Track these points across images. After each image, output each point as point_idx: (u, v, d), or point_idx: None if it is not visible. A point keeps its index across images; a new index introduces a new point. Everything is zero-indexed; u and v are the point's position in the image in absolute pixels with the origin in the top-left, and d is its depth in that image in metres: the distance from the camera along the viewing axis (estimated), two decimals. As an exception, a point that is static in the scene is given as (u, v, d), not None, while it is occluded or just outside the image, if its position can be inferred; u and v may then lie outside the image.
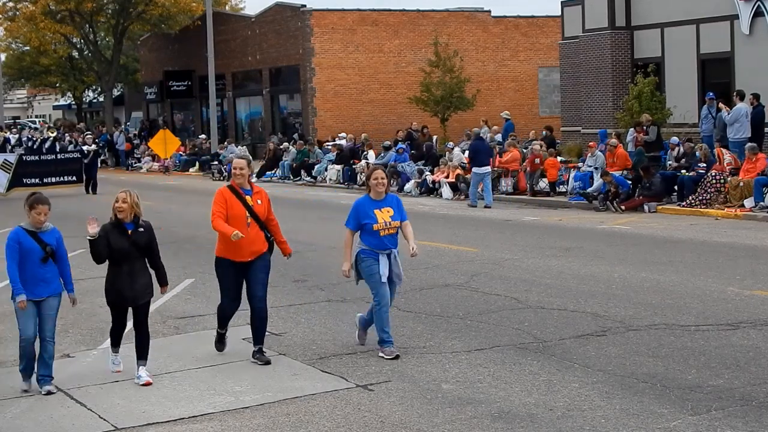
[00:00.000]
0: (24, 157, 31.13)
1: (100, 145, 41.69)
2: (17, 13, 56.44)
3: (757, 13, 26.42)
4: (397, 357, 9.53)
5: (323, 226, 20.78)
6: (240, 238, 9.38)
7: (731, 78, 27.34)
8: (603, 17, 30.83)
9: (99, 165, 34.61)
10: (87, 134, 39.81)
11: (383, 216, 9.77)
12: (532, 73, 45.71)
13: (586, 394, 8.29)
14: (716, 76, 28.12)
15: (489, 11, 46.58)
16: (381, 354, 9.66)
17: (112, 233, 9.10)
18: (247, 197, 9.72)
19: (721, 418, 7.56)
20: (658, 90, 27.69)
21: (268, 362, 9.61)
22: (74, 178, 31.61)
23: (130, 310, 9.43)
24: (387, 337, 9.69)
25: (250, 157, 10.18)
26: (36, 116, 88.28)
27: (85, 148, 33.07)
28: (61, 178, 31.33)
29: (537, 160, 26.15)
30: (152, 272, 9.50)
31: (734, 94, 24.59)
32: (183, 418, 8.14)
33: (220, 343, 10.18)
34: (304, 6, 43.89)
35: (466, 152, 30.39)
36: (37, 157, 31.40)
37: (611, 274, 13.89)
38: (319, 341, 10.49)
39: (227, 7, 63.88)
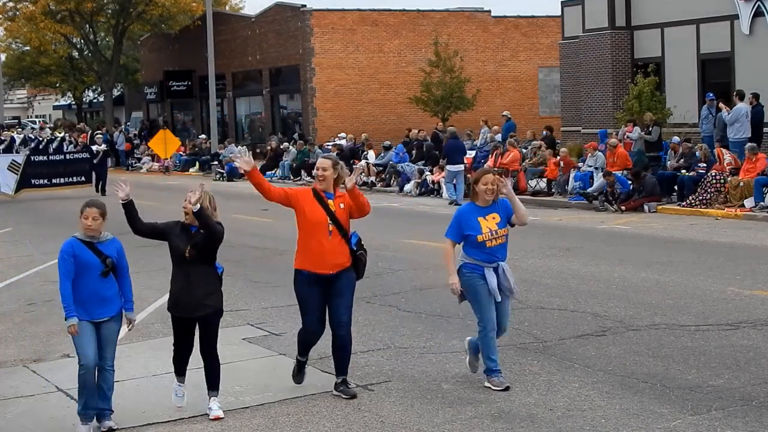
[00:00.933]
0: (32, 158, 30.41)
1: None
2: (17, 13, 56.46)
3: (757, 13, 26.41)
4: (507, 389, 8.44)
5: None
6: (247, 169, 8.39)
7: (731, 78, 27.34)
8: (603, 17, 30.83)
9: (109, 165, 34.07)
10: (97, 134, 38.95)
11: (488, 224, 8.60)
12: (532, 73, 45.70)
13: (586, 394, 8.29)
14: (716, 76, 28.11)
15: (489, 11, 46.58)
16: (488, 384, 8.55)
17: (173, 231, 8.28)
18: (329, 201, 8.49)
19: (722, 418, 7.56)
20: (658, 90, 27.67)
21: (353, 396, 8.47)
22: (83, 178, 30.97)
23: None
24: (494, 366, 8.58)
25: (337, 159, 8.81)
26: (36, 116, 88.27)
27: (94, 147, 32.42)
28: (70, 179, 30.70)
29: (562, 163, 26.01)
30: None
31: (734, 94, 24.59)
32: (183, 418, 8.14)
33: (299, 373, 8.87)
34: (304, 6, 43.89)
35: (467, 153, 30.48)
36: (45, 158, 30.74)
37: (611, 274, 13.89)
38: (319, 341, 10.48)
39: (227, 7, 63.87)
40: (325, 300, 8.51)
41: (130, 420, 8.11)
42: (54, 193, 29.97)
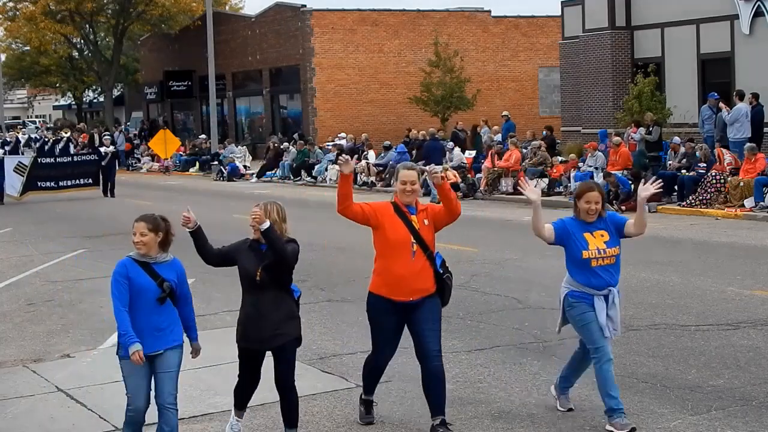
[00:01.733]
0: (39, 160, 29.70)
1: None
2: (17, 13, 56.52)
3: (757, 13, 26.42)
4: (633, 430, 7.29)
5: (323, 226, 20.77)
6: (350, 171, 7.39)
7: (731, 78, 27.34)
8: (603, 17, 30.84)
9: (117, 167, 33.13)
10: (105, 135, 38.17)
11: (596, 242, 7.51)
12: (532, 73, 45.71)
13: (586, 394, 8.29)
14: (716, 76, 28.12)
15: (489, 11, 46.60)
16: (609, 428, 7.37)
17: (241, 252, 7.32)
18: (413, 217, 7.47)
19: (721, 418, 7.56)
20: (658, 90, 27.69)
21: None
22: (90, 180, 30.05)
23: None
24: (616, 404, 7.35)
25: (420, 168, 7.86)
26: (36, 116, 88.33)
27: (102, 149, 31.53)
28: (77, 181, 29.85)
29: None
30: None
31: (734, 94, 24.59)
32: (183, 418, 8.12)
33: (367, 413, 7.84)
34: (304, 6, 43.90)
35: (467, 152, 30.51)
36: (52, 160, 30.04)
37: (611, 274, 13.87)
38: (319, 341, 10.49)
39: (227, 7, 63.90)
40: (401, 327, 7.54)
41: (130, 420, 8.09)
42: (60, 195, 29.36)
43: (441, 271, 7.48)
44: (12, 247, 18.92)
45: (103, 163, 30.43)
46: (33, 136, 43.38)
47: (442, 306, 7.52)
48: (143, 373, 6.70)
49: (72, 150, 32.38)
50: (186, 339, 7.05)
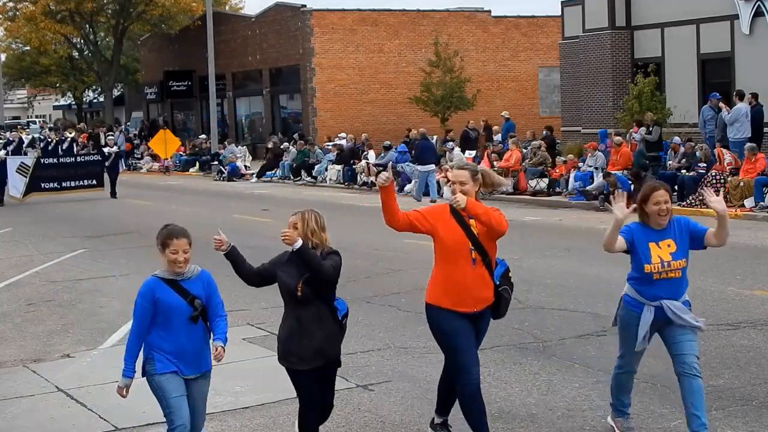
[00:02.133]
0: (42, 160, 29.27)
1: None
2: (17, 13, 56.54)
3: (757, 13, 26.42)
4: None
5: (323, 226, 20.77)
6: (385, 184, 6.76)
7: (731, 78, 27.35)
8: (603, 17, 30.84)
9: (121, 168, 32.51)
10: (109, 135, 37.53)
11: (661, 253, 6.87)
12: (532, 73, 45.71)
13: (586, 394, 8.29)
14: (716, 76, 28.13)
15: (489, 11, 46.61)
16: (611, 422, 7.40)
17: (281, 265, 6.72)
18: (471, 221, 6.86)
19: (722, 418, 7.56)
20: (658, 90, 27.70)
21: None
22: (94, 181, 29.60)
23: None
24: (620, 405, 7.32)
25: (476, 167, 7.23)
26: (36, 116, 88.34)
27: (106, 149, 31.16)
28: (81, 182, 29.43)
29: None
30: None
31: (734, 94, 24.60)
32: (183, 418, 8.12)
33: None
34: (304, 6, 43.91)
35: (467, 152, 30.52)
36: (55, 160, 29.59)
37: (611, 274, 13.88)
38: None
39: (227, 7, 63.94)
40: (474, 334, 6.91)
41: (130, 420, 8.10)
42: (64, 196, 28.98)
43: (497, 283, 6.90)
44: (12, 247, 18.93)
45: (106, 164, 30.12)
46: (37, 136, 43.06)
47: (496, 318, 7.07)
48: (182, 392, 6.30)
49: (75, 150, 32.09)
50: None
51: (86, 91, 68.60)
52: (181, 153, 43.63)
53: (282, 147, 37.58)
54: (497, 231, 6.75)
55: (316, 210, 6.83)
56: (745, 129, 23.50)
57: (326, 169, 33.76)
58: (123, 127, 54.18)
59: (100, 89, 63.76)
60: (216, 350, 6.40)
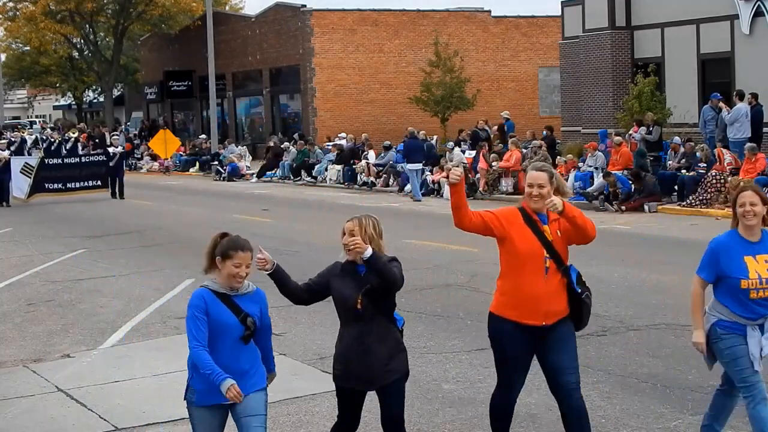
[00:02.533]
0: (46, 161, 28.71)
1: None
2: (17, 13, 56.52)
3: (757, 13, 26.42)
4: None
5: (323, 226, 20.78)
6: (457, 181, 6.25)
7: (731, 78, 27.34)
8: (603, 17, 30.83)
9: (125, 168, 31.92)
10: (114, 135, 36.74)
11: (758, 268, 6.24)
12: (532, 73, 45.70)
13: (586, 394, 8.26)
14: (716, 76, 28.12)
15: (489, 11, 46.60)
16: None
17: (334, 278, 6.24)
18: (545, 227, 6.38)
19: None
20: (659, 90, 27.70)
21: None
22: (99, 182, 29.12)
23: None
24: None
25: (552, 169, 6.57)
26: (36, 116, 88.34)
27: (111, 149, 30.48)
28: (86, 183, 28.96)
29: None
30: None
31: (734, 94, 24.59)
32: (184, 418, 8.10)
33: None
34: (304, 6, 43.90)
35: (467, 152, 30.50)
36: (59, 160, 29.12)
37: (611, 274, 13.89)
38: (319, 341, 10.48)
39: (227, 7, 63.91)
40: (531, 356, 6.53)
41: (130, 420, 8.10)
42: (69, 198, 28.51)
43: (579, 290, 6.43)
44: (12, 247, 18.92)
45: (111, 164, 29.56)
46: (41, 136, 42.71)
47: (578, 329, 6.54)
48: (217, 424, 5.79)
49: (80, 150, 31.75)
50: None
51: (86, 91, 68.59)
52: (181, 153, 43.63)
53: (282, 147, 37.59)
54: (589, 236, 6.35)
55: (373, 216, 6.32)
56: (745, 129, 23.49)
57: (326, 169, 33.77)
58: (123, 127, 54.18)
59: (100, 89, 63.76)
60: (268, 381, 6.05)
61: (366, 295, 5.98)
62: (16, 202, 27.73)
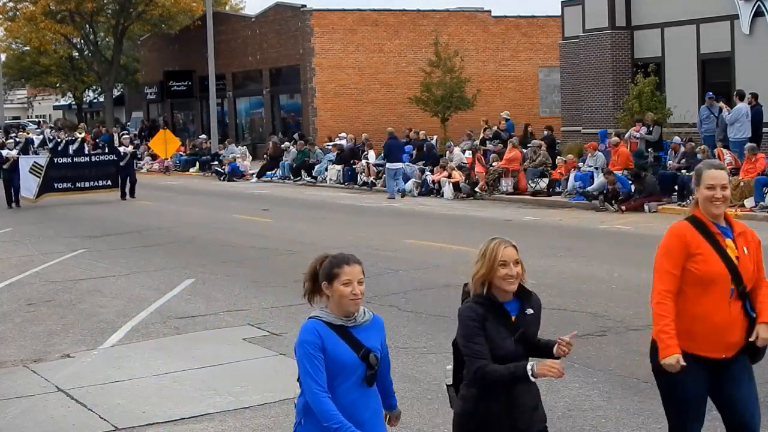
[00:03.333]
0: (55, 160, 28.11)
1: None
2: (17, 13, 56.54)
3: (757, 13, 26.42)
4: None
5: (323, 226, 20.79)
6: (679, 368, 5.29)
7: (731, 78, 27.34)
8: (603, 17, 30.83)
9: (135, 167, 31.32)
10: (123, 134, 35.74)
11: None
12: (532, 73, 45.70)
13: (586, 394, 8.29)
14: (716, 76, 28.12)
15: (489, 11, 46.60)
16: None
17: (491, 322, 5.00)
18: (727, 241, 5.38)
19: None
20: (659, 90, 27.69)
21: None
22: (109, 182, 28.53)
23: None
24: None
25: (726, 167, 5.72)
26: (36, 116, 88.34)
27: (121, 149, 29.86)
28: (96, 183, 28.36)
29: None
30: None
31: (734, 94, 24.59)
32: (183, 418, 8.14)
33: None
34: (305, 6, 43.90)
35: (467, 152, 30.50)
36: (69, 160, 28.50)
37: (611, 274, 13.89)
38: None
39: (227, 7, 63.93)
40: (705, 391, 5.63)
41: (130, 420, 8.10)
42: (78, 197, 28.02)
43: (755, 315, 5.40)
44: (12, 247, 18.92)
45: (121, 164, 28.96)
46: (48, 136, 42.30)
47: (753, 363, 5.60)
48: None
49: (86, 150, 31.38)
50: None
51: (86, 91, 68.61)
52: (181, 153, 43.61)
53: (282, 147, 37.59)
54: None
55: (510, 241, 5.35)
56: (745, 129, 23.49)
57: (326, 169, 33.76)
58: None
59: (100, 89, 63.76)
60: (389, 419, 5.16)
61: (519, 341, 4.96)
62: (24, 202, 27.23)
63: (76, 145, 31.14)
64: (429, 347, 10.08)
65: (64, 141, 34.13)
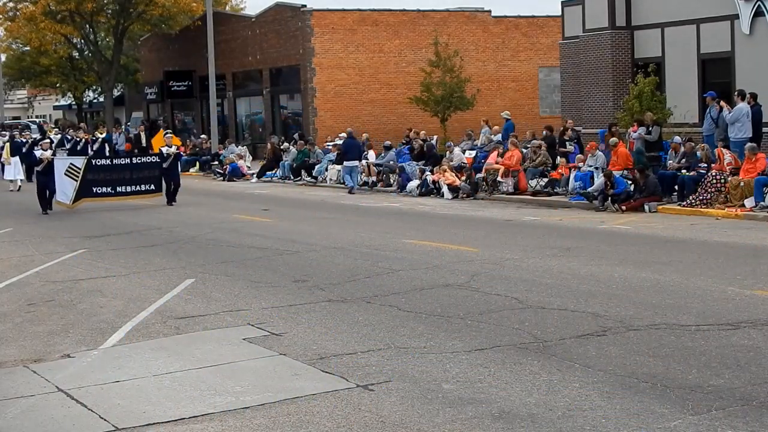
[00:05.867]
0: (93, 162, 25.93)
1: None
2: (17, 13, 56.54)
3: (757, 13, 26.42)
4: None
5: (323, 226, 20.79)
6: None
7: (731, 78, 27.34)
8: (603, 17, 30.84)
9: (180, 170, 28.77)
10: (167, 133, 33.69)
11: None
12: (532, 73, 45.71)
13: (586, 394, 8.29)
14: (716, 76, 28.12)
15: (489, 11, 46.61)
16: None
17: None
18: None
19: (722, 418, 7.55)
20: (659, 90, 27.69)
21: None
22: (152, 186, 26.11)
23: None
24: None
25: None
26: (36, 116, 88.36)
27: (164, 149, 27.25)
28: (137, 187, 25.92)
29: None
30: None
31: (735, 93, 24.59)
32: (183, 419, 8.13)
33: None
34: (305, 6, 43.91)
35: (467, 152, 30.53)
36: (108, 162, 26.48)
37: (611, 274, 13.89)
38: (319, 341, 10.48)
39: (227, 8, 63.94)
40: None
41: (130, 420, 8.10)
42: (118, 202, 25.96)
43: None
44: (12, 247, 18.92)
45: (164, 166, 26.59)
46: (66, 136, 41.74)
47: None
48: None
49: (107, 151, 29.87)
50: None
51: (86, 91, 68.61)
52: (181, 153, 43.58)
53: (282, 147, 37.60)
54: None
55: None
56: (746, 129, 23.48)
57: (326, 169, 33.76)
58: (123, 127, 54.19)
59: (100, 89, 63.77)
60: None
61: None
62: (59, 207, 25.07)
63: (97, 146, 30.16)
64: (429, 347, 10.08)
65: (83, 141, 33.44)
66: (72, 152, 29.10)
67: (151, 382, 9.19)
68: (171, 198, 26.52)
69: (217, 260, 16.05)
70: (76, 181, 25.09)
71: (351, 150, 30.65)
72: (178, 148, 28.36)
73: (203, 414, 8.19)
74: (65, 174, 24.99)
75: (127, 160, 26.75)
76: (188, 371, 9.52)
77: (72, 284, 14.53)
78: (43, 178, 25.33)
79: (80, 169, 25.20)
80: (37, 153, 25.82)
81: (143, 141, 40.08)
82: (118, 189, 25.68)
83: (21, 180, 33.53)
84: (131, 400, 8.67)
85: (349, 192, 29.47)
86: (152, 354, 10.22)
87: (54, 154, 27.61)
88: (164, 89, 53.95)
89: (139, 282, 14.51)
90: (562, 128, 30.72)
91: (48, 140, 29.57)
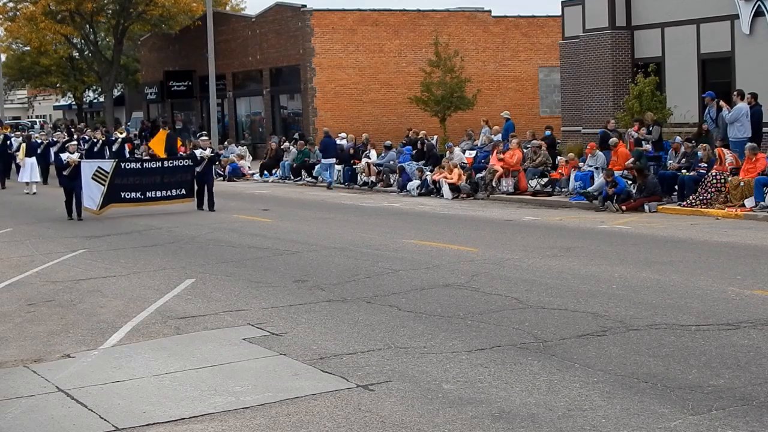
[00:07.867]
0: (122, 165, 24.73)
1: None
2: (17, 13, 56.56)
3: (758, 13, 26.42)
4: None
5: (323, 226, 20.79)
6: None
7: (731, 78, 27.34)
8: (603, 17, 30.84)
9: (215, 175, 27.22)
10: (201, 135, 31.67)
11: None
12: (532, 72, 45.71)
13: (586, 394, 8.28)
14: (716, 76, 28.13)
15: (489, 11, 46.61)
16: None
17: None
18: None
19: (722, 418, 7.55)
20: (659, 90, 27.69)
21: None
22: (184, 191, 24.84)
23: None
24: None
25: None
26: (36, 116, 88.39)
27: (197, 152, 25.78)
28: (169, 192, 24.70)
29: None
30: None
31: (735, 93, 24.59)
32: (183, 418, 8.13)
33: None
34: (305, 6, 43.92)
35: (467, 152, 30.52)
36: (138, 165, 25.33)
37: (612, 274, 13.89)
38: (319, 341, 10.48)
39: (228, 8, 63.95)
40: None
41: (130, 420, 8.10)
42: (148, 208, 24.64)
43: None
44: (12, 247, 18.92)
45: (198, 170, 25.16)
46: (82, 136, 41.05)
47: None
48: None
49: (126, 153, 28.92)
50: None
51: (86, 92, 68.64)
52: (181, 153, 43.55)
53: (282, 147, 37.60)
54: None
55: None
56: (746, 129, 23.48)
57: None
58: (123, 127, 54.18)
59: (100, 89, 63.77)
60: None
61: None
62: (86, 213, 23.78)
63: (116, 146, 29.41)
64: (429, 347, 10.08)
65: (101, 141, 32.91)
66: (89, 153, 28.07)
67: (151, 382, 9.19)
68: (210, 204, 24.92)
69: (217, 260, 16.06)
70: (104, 185, 23.78)
71: (328, 148, 32.54)
72: (177, 149, 28.12)
73: (203, 414, 8.20)
74: (92, 178, 23.68)
75: (158, 164, 25.28)
76: (188, 371, 9.52)
77: (72, 284, 14.53)
78: (70, 183, 23.68)
79: (108, 173, 23.89)
80: (64, 156, 24.03)
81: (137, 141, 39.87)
82: (148, 194, 24.44)
83: (36, 183, 33.03)
84: (131, 400, 8.67)
85: (328, 187, 31.61)
86: (152, 354, 10.22)
87: (81, 157, 26.57)
88: (164, 89, 53.95)
89: (139, 282, 14.51)
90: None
91: (75, 142, 28.23)
